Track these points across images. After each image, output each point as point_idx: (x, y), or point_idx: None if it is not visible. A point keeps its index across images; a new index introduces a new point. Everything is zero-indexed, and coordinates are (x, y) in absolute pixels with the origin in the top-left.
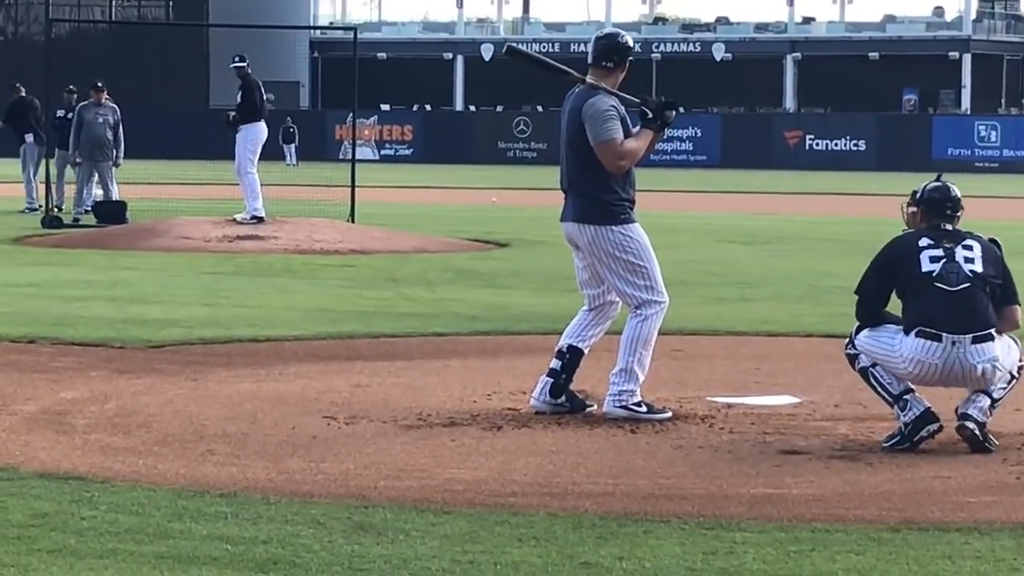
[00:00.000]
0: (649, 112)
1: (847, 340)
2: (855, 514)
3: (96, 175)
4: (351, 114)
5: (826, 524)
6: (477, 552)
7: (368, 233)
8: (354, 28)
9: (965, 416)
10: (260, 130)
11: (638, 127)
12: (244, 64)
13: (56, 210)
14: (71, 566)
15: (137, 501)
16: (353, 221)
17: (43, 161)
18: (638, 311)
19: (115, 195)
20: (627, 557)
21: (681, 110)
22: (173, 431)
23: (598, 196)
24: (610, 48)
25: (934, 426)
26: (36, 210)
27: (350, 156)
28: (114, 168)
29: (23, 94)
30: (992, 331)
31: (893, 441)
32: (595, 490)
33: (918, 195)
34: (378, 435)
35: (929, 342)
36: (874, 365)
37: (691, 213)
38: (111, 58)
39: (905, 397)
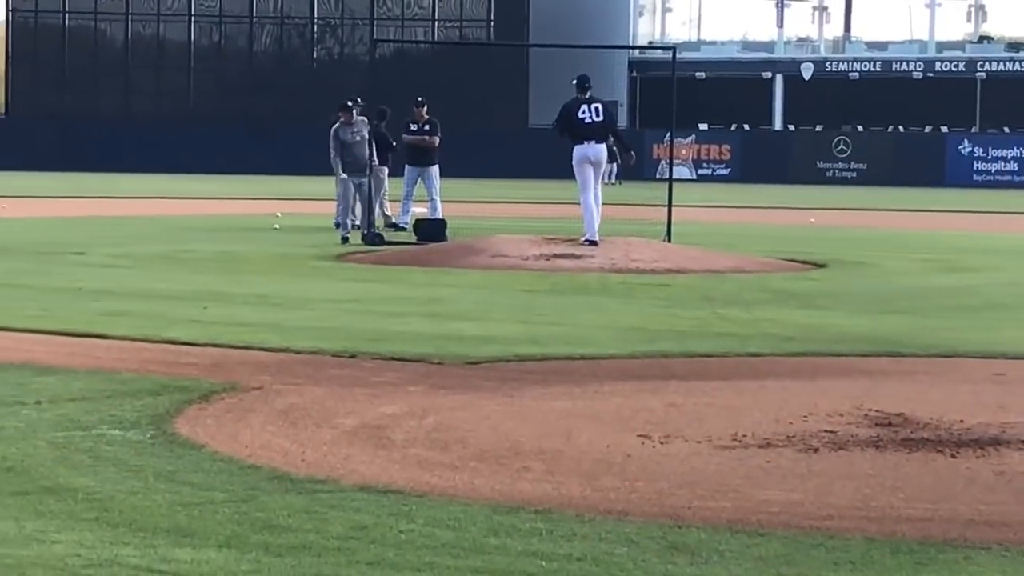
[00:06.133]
0: None
1: None
2: None
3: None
4: (669, 133)
5: None
6: (792, 575)
7: (684, 252)
8: (673, 48)
9: None
10: (575, 152)
11: None
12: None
13: (381, 227)
14: None
15: (454, 516)
16: (670, 240)
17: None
18: None
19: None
20: None
21: None
22: (489, 447)
23: None
24: None
25: None
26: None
27: (667, 175)
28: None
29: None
30: None
31: None
32: (913, 515)
33: None
34: (692, 455)
35: None
36: None
37: (1015, 235)
38: (432, 77)
39: None
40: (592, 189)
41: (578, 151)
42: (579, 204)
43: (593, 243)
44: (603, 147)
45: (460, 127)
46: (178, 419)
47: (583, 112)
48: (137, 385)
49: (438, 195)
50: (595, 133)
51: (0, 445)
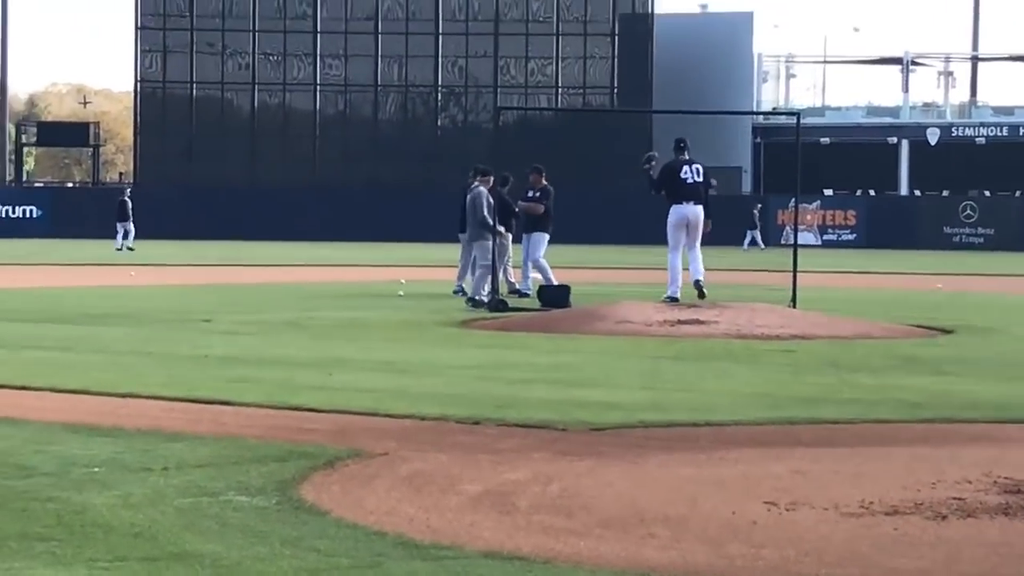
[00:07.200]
0: None
1: None
2: None
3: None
4: (793, 199)
5: None
6: None
7: (810, 318)
8: (797, 113)
9: None
10: (673, 211)
11: None
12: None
13: (505, 293)
14: None
15: None
16: (795, 306)
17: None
18: None
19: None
20: None
21: None
22: (614, 513)
23: None
24: None
25: None
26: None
27: (792, 241)
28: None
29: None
30: None
31: None
32: None
33: None
34: (819, 522)
35: None
36: None
37: None
38: (555, 143)
39: None
40: (680, 250)
41: (677, 211)
42: (678, 265)
43: (674, 300)
44: (700, 208)
45: (583, 193)
46: (303, 485)
47: (685, 172)
48: (263, 451)
49: (532, 260)
50: (695, 194)
51: (128, 511)
